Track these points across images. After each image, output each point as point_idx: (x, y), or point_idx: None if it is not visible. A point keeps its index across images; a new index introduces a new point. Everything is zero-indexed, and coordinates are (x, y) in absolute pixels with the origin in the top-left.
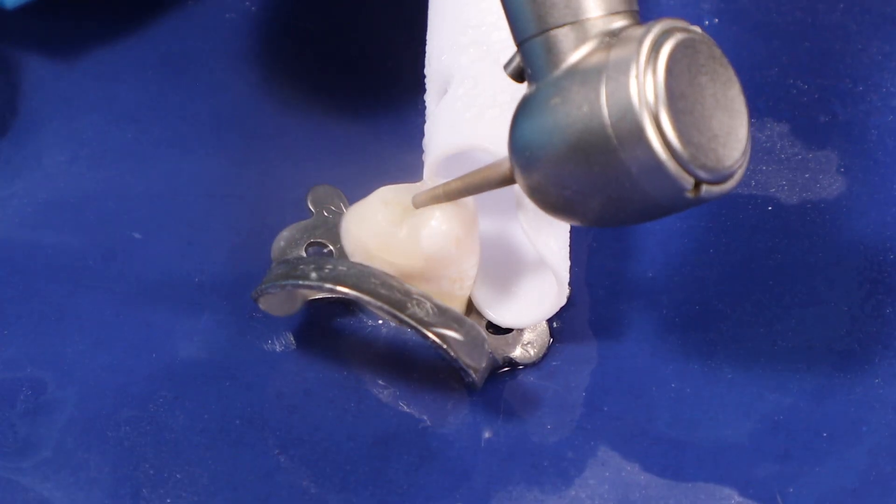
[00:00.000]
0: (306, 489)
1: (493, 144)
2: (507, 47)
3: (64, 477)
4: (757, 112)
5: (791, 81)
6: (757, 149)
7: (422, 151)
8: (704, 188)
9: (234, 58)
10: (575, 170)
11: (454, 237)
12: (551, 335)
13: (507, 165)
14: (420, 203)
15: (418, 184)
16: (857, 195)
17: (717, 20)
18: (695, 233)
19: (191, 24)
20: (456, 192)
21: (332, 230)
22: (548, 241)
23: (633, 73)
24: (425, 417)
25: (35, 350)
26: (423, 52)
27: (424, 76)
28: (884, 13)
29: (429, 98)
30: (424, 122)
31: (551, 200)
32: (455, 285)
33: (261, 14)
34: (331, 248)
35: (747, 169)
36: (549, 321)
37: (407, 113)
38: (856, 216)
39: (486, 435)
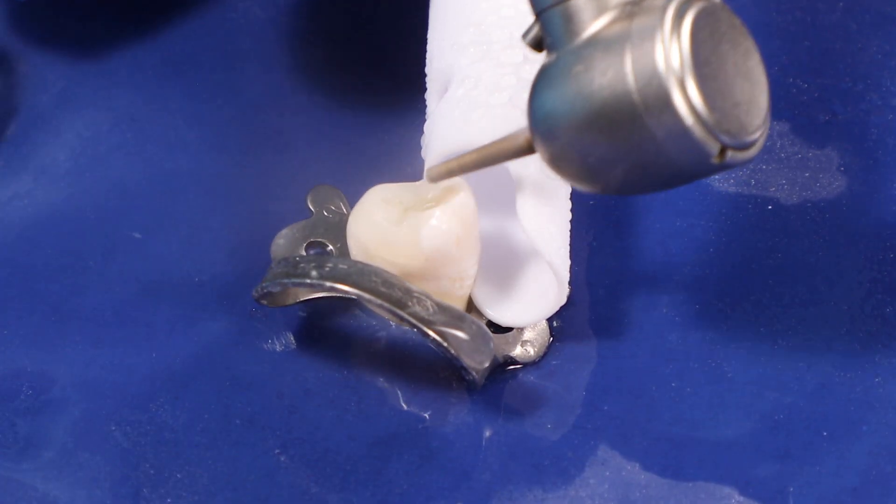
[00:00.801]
0: (306, 489)
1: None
2: (507, 47)
3: (64, 476)
4: None
5: (791, 80)
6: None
7: (421, 151)
8: (729, 153)
9: (235, 58)
10: (598, 137)
11: (454, 236)
12: (551, 334)
13: (524, 136)
14: (435, 176)
15: (418, 183)
16: (857, 194)
17: None
18: (695, 232)
19: (192, 24)
20: (472, 164)
21: (333, 230)
22: (548, 240)
23: (658, 39)
24: (425, 417)
25: (35, 350)
26: (424, 52)
27: (425, 76)
28: (884, 13)
29: (429, 97)
30: (425, 121)
31: (573, 169)
32: (455, 284)
33: (261, 15)
34: (331, 247)
35: (747, 168)
36: (550, 320)
37: (407, 112)
38: (856, 215)
39: (487, 434)
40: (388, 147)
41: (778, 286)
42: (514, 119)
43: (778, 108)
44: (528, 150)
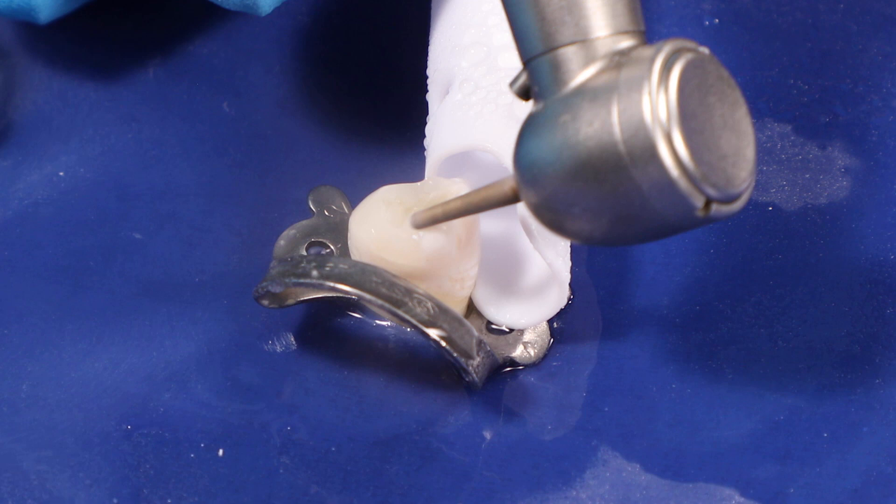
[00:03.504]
0: (307, 489)
1: (494, 145)
2: (509, 49)
3: (65, 477)
4: (758, 112)
5: (792, 82)
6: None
7: (423, 151)
8: (714, 207)
9: (236, 59)
10: (584, 187)
11: (455, 237)
12: (552, 335)
13: (509, 184)
14: (419, 223)
15: (420, 183)
16: (857, 195)
17: (717, 20)
18: (695, 233)
19: (192, 24)
20: (456, 212)
21: (334, 230)
22: (548, 241)
23: (645, 91)
24: (425, 417)
25: (35, 350)
26: (426, 53)
27: (426, 77)
28: (884, 13)
29: (431, 98)
30: (426, 122)
31: (558, 219)
32: (456, 285)
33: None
34: (332, 247)
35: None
36: (550, 321)
37: (409, 113)
38: (856, 216)
39: (487, 435)
40: (389, 148)
41: (778, 287)
42: (512, 124)
43: (779, 109)
44: (514, 198)
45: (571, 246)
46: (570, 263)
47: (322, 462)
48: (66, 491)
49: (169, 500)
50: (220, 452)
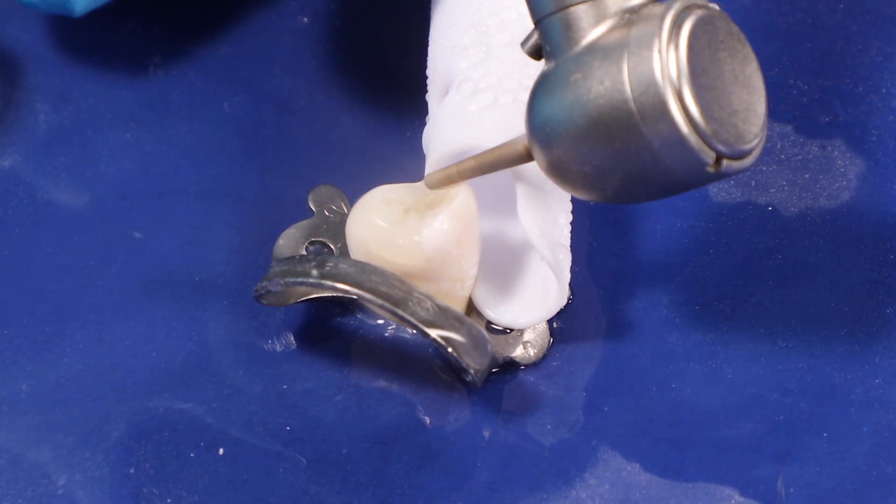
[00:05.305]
0: (306, 489)
1: (494, 144)
2: (508, 49)
3: (64, 477)
4: None
5: (792, 82)
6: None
7: (423, 151)
8: (725, 163)
9: (236, 58)
10: (596, 145)
11: (455, 237)
12: (551, 335)
13: (522, 143)
14: (433, 183)
15: (419, 183)
16: (857, 196)
17: None
18: (695, 233)
19: (191, 24)
20: (470, 171)
21: (334, 230)
22: (548, 241)
23: (655, 48)
24: (425, 417)
25: (35, 350)
26: (426, 53)
27: (426, 77)
28: (884, 13)
29: (430, 98)
30: (426, 122)
31: (571, 177)
32: (455, 285)
33: (261, 14)
34: (332, 247)
35: (748, 169)
36: (550, 321)
37: (408, 113)
38: (856, 217)
39: (487, 434)
40: (389, 147)
41: (778, 287)
42: (512, 123)
43: (779, 109)
44: (527, 157)
45: (571, 246)
46: (569, 263)
47: (322, 462)
48: (66, 491)
49: (169, 500)
50: (220, 452)
